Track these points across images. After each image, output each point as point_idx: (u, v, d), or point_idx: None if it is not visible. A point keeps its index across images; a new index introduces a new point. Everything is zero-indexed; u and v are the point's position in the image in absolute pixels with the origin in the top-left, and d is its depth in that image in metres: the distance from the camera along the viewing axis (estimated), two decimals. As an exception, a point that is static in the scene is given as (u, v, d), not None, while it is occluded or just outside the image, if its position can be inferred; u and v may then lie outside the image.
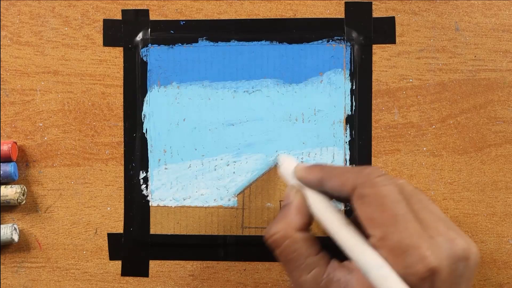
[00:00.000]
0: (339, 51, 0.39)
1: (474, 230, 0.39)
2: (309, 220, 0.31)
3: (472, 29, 0.39)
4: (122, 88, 0.40)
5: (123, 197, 0.40)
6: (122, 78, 0.40)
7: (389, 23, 0.39)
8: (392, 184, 0.28)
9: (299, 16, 0.39)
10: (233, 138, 0.39)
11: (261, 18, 0.39)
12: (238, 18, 0.39)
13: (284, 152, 0.39)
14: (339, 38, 0.39)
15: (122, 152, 0.40)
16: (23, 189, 0.39)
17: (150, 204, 0.40)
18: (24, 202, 0.39)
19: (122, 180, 0.40)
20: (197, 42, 0.39)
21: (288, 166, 0.35)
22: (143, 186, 0.40)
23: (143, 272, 0.40)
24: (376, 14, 0.39)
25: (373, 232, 0.27)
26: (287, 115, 0.39)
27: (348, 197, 0.29)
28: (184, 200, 0.40)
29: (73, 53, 0.40)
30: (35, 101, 0.40)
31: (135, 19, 0.39)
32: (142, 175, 0.40)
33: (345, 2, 0.39)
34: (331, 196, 0.31)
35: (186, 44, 0.39)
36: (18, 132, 0.40)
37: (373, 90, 0.39)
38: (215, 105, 0.39)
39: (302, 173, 0.33)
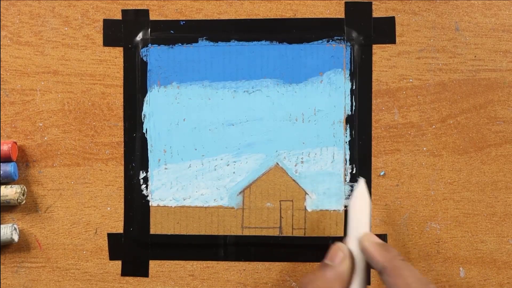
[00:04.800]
0: (339, 51, 0.39)
1: (474, 230, 0.39)
2: None
3: (472, 29, 0.39)
4: (122, 88, 0.40)
5: (123, 197, 0.40)
6: (122, 78, 0.40)
7: (389, 23, 0.39)
8: None
9: (299, 16, 0.39)
10: (233, 138, 0.39)
11: (261, 18, 0.39)
12: (238, 18, 0.39)
13: (284, 151, 0.39)
14: (339, 38, 0.39)
15: (122, 152, 0.40)
16: (23, 189, 0.39)
17: (150, 204, 0.40)
18: (24, 202, 0.39)
19: (122, 180, 0.40)
20: (197, 42, 0.39)
21: (358, 213, 0.32)
22: (143, 186, 0.40)
23: (143, 272, 0.40)
24: (376, 14, 0.39)
25: None
26: (287, 115, 0.39)
27: None
28: (184, 200, 0.40)
29: (73, 53, 0.40)
30: (35, 101, 0.40)
31: (135, 19, 0.39)
32: (142, 175, 0.40)
33: (345, 2, 0.39)
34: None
35: (186, 44, 0.39)
36: (18, 132, 0.40)
37: (373, 90, 0.39)
38: (215, 105, 0.39)
39: (368, 246, 0.30)
